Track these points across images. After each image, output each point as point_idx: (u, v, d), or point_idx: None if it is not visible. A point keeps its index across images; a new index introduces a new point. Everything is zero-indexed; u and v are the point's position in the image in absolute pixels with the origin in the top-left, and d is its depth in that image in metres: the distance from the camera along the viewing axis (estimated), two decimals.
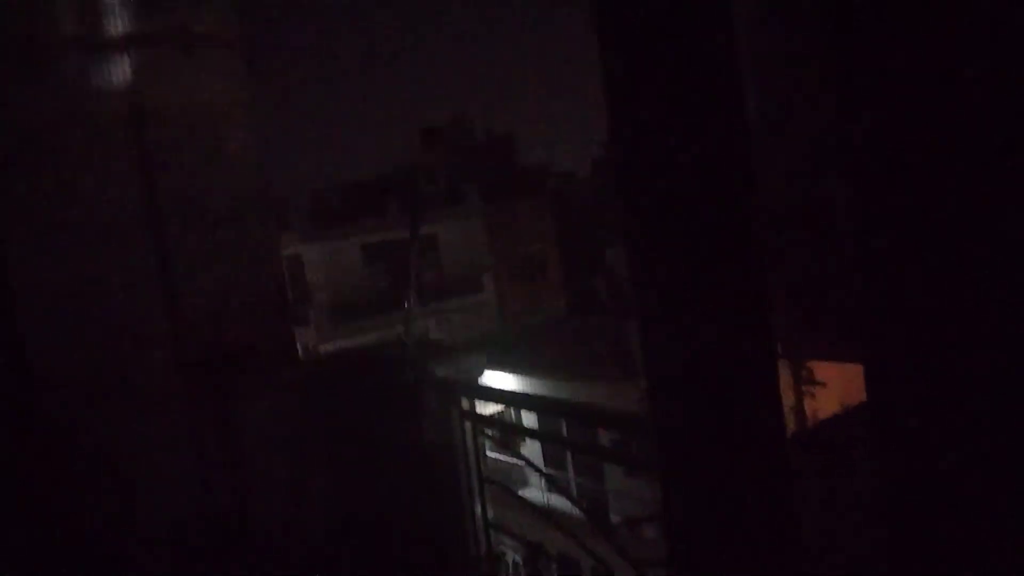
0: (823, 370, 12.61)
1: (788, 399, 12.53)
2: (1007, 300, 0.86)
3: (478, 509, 3.22)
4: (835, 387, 11.83)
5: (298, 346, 4.17)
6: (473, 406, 3.32)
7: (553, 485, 11.99)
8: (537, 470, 3.22)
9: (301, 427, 3.24)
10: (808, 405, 12.49)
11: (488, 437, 3.36)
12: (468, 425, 3.27)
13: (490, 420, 3.36)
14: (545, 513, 3.15)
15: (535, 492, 11.85)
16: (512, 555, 3.39)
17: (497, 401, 3.47)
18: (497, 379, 12.12)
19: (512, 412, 10.28)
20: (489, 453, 3.59)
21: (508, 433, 3.69)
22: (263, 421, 3.15)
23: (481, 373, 3.54)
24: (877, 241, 1.00)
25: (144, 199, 3.14)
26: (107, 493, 2.60)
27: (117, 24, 3.18)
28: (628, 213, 1.25)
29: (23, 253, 2.82)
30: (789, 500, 1.16)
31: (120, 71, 3.13)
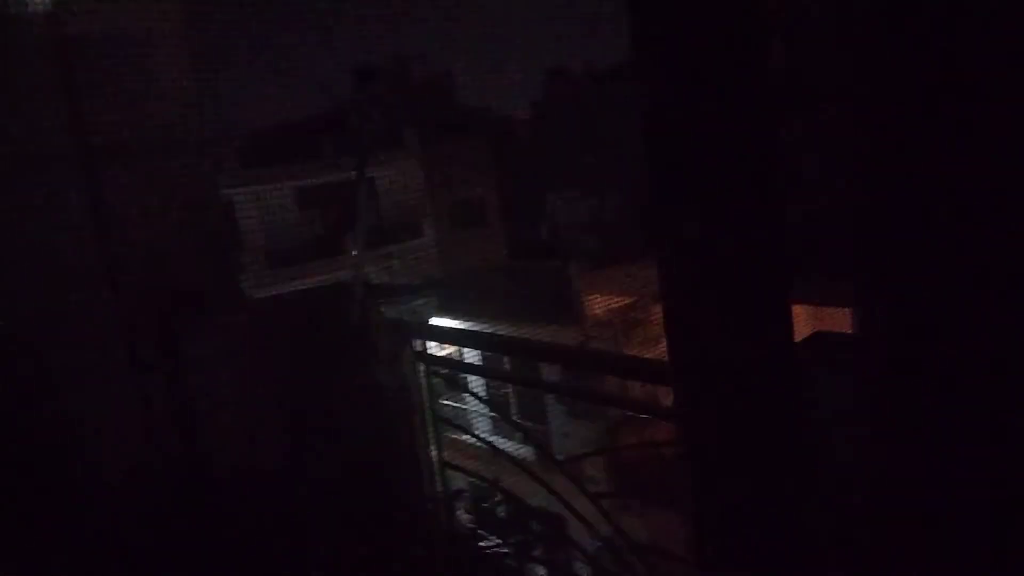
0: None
1: None
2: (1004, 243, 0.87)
3: (432, 449, 3.22)
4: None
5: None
6: (425, 347, 3.29)
7: (501, 428, 12.12)
8: (506, 418, 3.21)
9: (249, 369, 3.17)
10: None
11: (441, 378, 3.34)
12: (420, 367, 3.25)
13: (442, 360, 3.34)
14: (496, 452, 3.18)
15: (482, 435, 11.93)
16: (468, 493, 3.45)
17: (451, 342, 3.45)
18: (441, 324, 12.08)
19: (459, 355, 10.28)
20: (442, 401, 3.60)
21: (462, 376, 3.69)
22: (208, 364, 3.06)
23: (432, 314, 3.51)
24: (873, 181, 1.00)
25: (75, 131, 2.96)
26: (48, 435, 2.50)
27: None
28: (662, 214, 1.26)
29: None
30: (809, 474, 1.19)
31: None
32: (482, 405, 12.69)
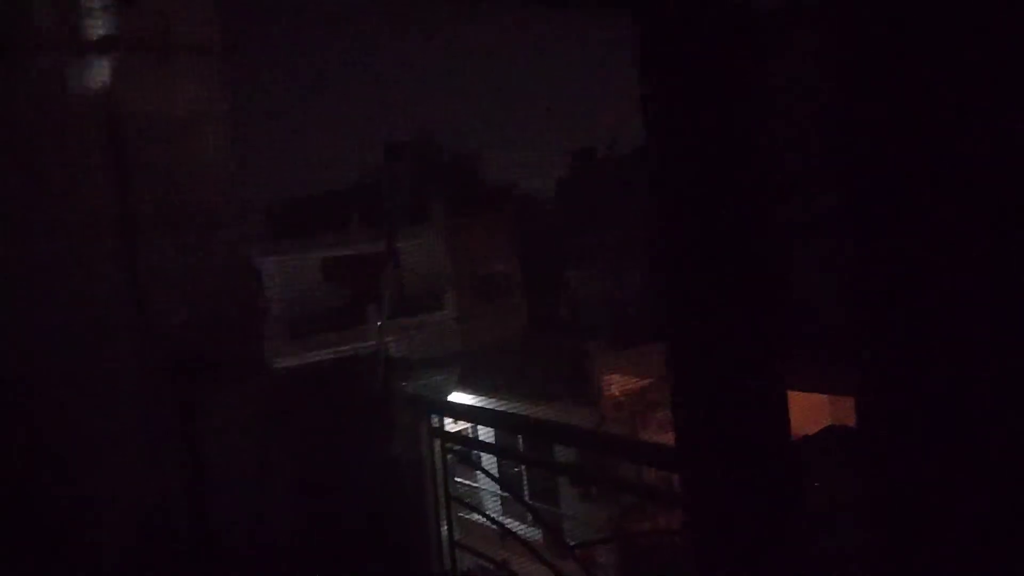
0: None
1: None
2: (1004, 329, 0.90)
3: (444, 527, 3.20)
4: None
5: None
6: (442, 423, 3.31)
7: (511, 508, 11.93)
8: (518, 498, 3.21)
9: (266, 439, 3.20)
10: None
11: (456, 455, 3.35)
12: (437, 443, 3.26)
13: (459, 438, 3.35)
14: (506, 533, 3.15)
15: (492, 515, 11.75)
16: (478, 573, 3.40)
17: (469, 419, 3.46)
18: (458, 399, 12.05)
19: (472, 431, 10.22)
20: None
21: (476, 453, 3.69)
22: (228, 431, 3.10)
23: (451, 391, 3.54)
24: (872, 265, 1.04)
25: (117, 202, 3.09)
26: (67, 498, 2.53)
27: (95, 26, 3.14)
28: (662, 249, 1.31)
29: None
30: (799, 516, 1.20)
31: (97, 73, 3.09)
32: (493, 484, 12.51)
